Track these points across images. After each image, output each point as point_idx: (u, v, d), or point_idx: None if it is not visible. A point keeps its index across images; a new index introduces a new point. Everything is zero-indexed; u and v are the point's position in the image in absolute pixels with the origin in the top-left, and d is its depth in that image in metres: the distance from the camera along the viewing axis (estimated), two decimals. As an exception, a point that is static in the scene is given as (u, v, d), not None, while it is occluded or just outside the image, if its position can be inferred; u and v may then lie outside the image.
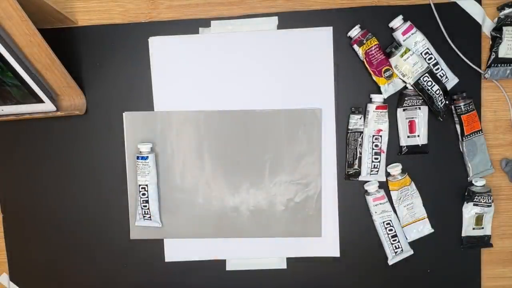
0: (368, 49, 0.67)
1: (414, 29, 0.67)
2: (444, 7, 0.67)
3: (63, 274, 0.75)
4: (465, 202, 0.71)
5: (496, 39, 0.68)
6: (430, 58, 0.68)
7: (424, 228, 0.71)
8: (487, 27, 0.69)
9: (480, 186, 0.70)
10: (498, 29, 0.68)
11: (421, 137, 0.70)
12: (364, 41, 0.67)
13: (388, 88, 0.68)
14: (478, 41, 0.69)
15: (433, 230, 0.71)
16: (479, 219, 0.71)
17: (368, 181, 0.71)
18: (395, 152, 0.71)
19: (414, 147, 0.70)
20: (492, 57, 0.68)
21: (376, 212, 0.70)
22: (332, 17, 0.69)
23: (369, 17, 0.69)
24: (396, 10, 0.69)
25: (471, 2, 0.69)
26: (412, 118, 0.69)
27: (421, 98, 0.68)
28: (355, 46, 0.68)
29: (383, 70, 0.67)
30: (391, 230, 0.70)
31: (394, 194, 0.70)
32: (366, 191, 0.71)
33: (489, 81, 0.70)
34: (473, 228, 0.71)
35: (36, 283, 0.76)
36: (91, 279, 0.75)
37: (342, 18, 0.69)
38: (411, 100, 0.69)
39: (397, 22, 0.67)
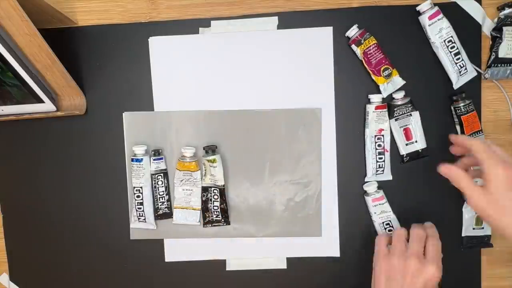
0: (366, 48, 0.67)
1: (441, 15, 0.66)
2: (444, 7, 0.67)
3: (63, 274, 0.75)
4: (465, 202, 0.71)
5: (496, 39, 0.68)
6: (453, 47, 0.67)
7: None
8: (487, 27, 0.69)
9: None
10: (498, 29, 0.68)
11: (419, 142, 0.70)
12: (362, 41, 0.67)
13: (387, 87, 0.68)
14: (478, 41, 0.69)
15: None
16: (479, 219, 0.71)
17: (367, 182, 0.71)
18: (398, 160, 0.71)
19: (414, 153, 0.70)
20: (492, 57, 0.68)
21: (375, 213, 0.70)
22: (332, 17, 0.69)
23: (369, 17, 0.69)
24: (397, 10, 0.69)
25: (471, 2, 0.69)
26: (406, 125, 0.69)
27: (410, 105, 0.69)
28: (353, 46, 0.68)
29: (381, 69, 0.67)
30: (390, 230, 0.70)
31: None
32: (365, 191, 0.71)
33: (489, 81, 0.70)
34: (473, 228, 0.71)
35: (36, 283, 0.76)
36: (91, 279, 0.75)
37: (342, 18, 0.69)
38: (401, 109, 0.69)
39: (424, 6, 0.66)
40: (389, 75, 0.67)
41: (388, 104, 0.69)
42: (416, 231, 0.61)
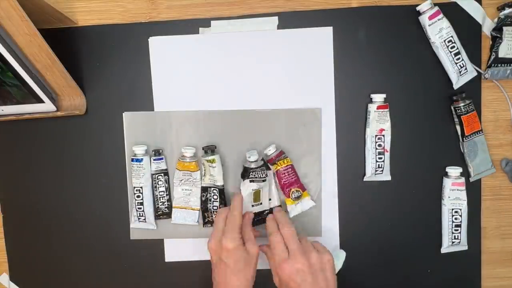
0: (281, 168, 0.68)
1: (441, 15, 0.66)
2: (444, 7, 0.67)
3: (63, 274, 0.75)
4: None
5: (496, 39, 0.68)
6: (453, 47, 0.67)
7: None
8: (487, 27, 0.69)
9: None
10: (498, 29, 0.68)
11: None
12: (276, 161, 0.68)
13: (295, 208, 0.70)
14: (478, 41, 0.69)
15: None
16: None
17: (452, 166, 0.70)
18: (399, 153, 0.71)
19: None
20: (492, 57, 0.68)
21: (449, 197, 0.69)
22: (332, 17, 0.69)
23: (369, 17, 0.69)
24: (397, 10, 0.69)
25: (471, 2, 0.69)
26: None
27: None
28: (269, 165, 0.69)
29: (291, 191, 0.69)
30: (457, 219, 0.69)
31: None
32: (446, 173, 0.70)
33: (489, 81, 0.70)
34: None
35: (36, 283, 0.76)
36: (91, 279, 0.75)
37: (342, 18, 0.69)
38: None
39: (424, 6, 0.66)
40: (298, 198, 0.69)
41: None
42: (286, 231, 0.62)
